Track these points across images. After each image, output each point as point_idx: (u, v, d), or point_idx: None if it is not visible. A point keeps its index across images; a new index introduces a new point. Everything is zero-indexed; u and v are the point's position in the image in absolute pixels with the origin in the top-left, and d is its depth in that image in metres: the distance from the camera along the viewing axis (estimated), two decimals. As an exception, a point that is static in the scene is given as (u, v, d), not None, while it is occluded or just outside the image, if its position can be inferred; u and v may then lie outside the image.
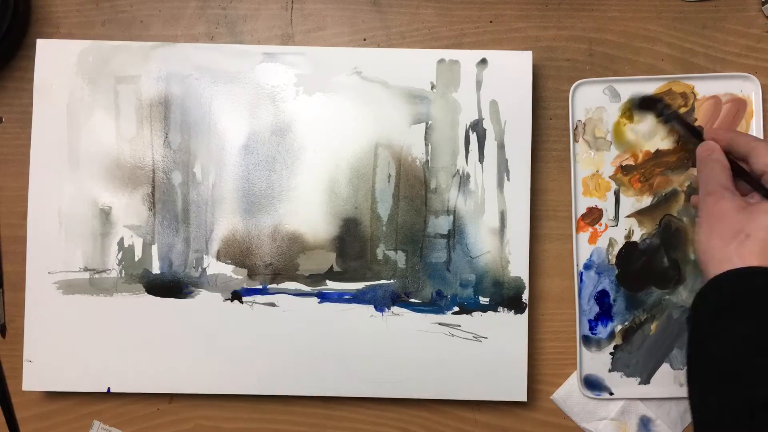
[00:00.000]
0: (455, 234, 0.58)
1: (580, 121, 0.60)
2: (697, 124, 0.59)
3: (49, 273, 0.58)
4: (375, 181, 0.58)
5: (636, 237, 0.59)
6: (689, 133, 0.56)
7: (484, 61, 0.58)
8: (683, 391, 0.59)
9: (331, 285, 0.58)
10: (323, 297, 0.58)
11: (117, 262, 0.58)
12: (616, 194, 0.59)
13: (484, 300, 0.58)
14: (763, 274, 0.43)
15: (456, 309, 0.58)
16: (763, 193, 0.48)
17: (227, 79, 0.58)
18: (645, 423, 0.59)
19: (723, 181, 0.48)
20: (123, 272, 0.58)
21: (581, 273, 0.59)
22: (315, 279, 0.58)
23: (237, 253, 0.58)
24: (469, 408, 0.59)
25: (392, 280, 0.58)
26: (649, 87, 0.59)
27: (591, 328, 0.59)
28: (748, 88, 0.59)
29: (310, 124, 0.58)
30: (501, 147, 0.58)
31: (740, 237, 0.45)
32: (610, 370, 0.59)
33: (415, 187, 0.58)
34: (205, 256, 0.58)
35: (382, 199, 0.58)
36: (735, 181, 0.49)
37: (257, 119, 0.58)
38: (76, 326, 0.57)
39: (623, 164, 0.59)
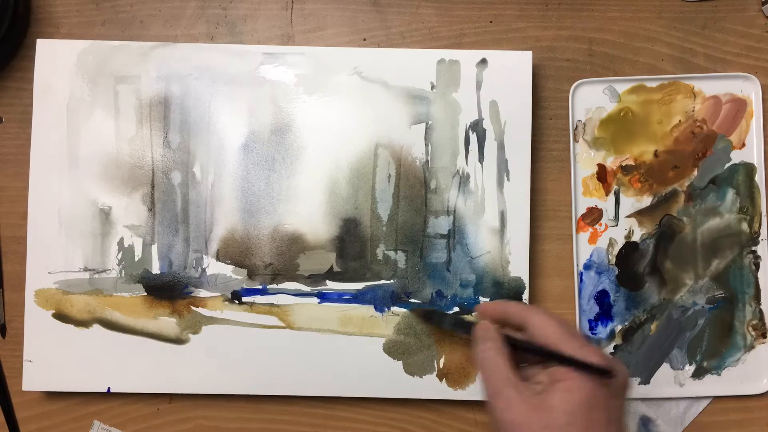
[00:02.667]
0: (455, 234, 0.58)
1: (580, 121, 0.60)
2: (697, 125, 0.59)
3: (49, 273, 0.58)
4: (375, 181, 0.58)
5: (636, 237, 0.59)
6: (464, 330, 0.49)
7: (484, 61, 0.58)
8: (683, 391, 0.59)
9: (331, 285, 0.58)
10: (323, 297, 0.58)
11: (117, 262, 0.58)
12: (616, 194, 0.59)
13: (484, 300, 0.58)
14: None
15: (456, 309, 0.58)
16: (549, 356, 0.42)
17: (227, 79, 0.58)
18: (645, 423, 0.59)
19: (504, 371, 0.42)
20: (123, 272, 0.58)
21: (581, 273, 0.59)
22: (315, 279, 0.58)
23: (237, 253, 0.58)
24: (469, 408, 0.59)
25: (392, 280, 0.58)
26: (649, 86, 0.59)
27: (591, 328, 0.59)
28: (748, 88, 0.59)
29: (310, 124, 0.58)
30: (501, 147, 0.58)
31: None
32: (610, 370, 0.59)
33: (415, 187, 0.58)
34: (204, 256, 0.58)
35: (382, 199, 0.58)
36: (518, 357, 0.44)
37: (257, 119, 0.58)
38: (77, 326, 0.57)
39: (623, 164, 0.59)
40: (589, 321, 0.59)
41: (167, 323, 0.58)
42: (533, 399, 0.41)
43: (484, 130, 0.58)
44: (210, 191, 0.58)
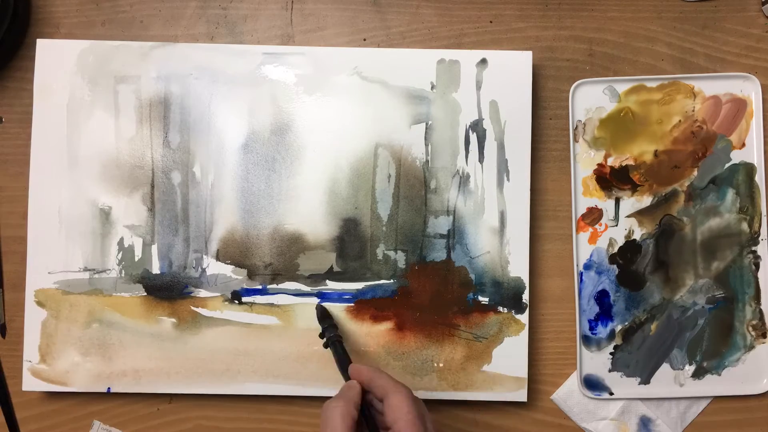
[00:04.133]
0: (455, 234, 0.58)
1: (580, 121, 0.60)
2: (697, 125, 0.59)
3: (49, 273, 0.58)
4: (375, 181, 0.58)
5: (636, 237, 0.59)
6: (339, 364, 0.52)
7: (484, 61, 0.58)
8: (683, 391, 0.59)
9: (331, 285, 0.58)
10: (323, 297, 0.58)
11: (117, 262, 0.58)
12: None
13: (483, 300, 0.58)
14: None
15: (456, 309, 0.58)
16: None
17: (227, 79, 0.58)
18: (645, 423, 0.59)
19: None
20: (123, 272, 0.58)
21: (581, 273, 0.59)
22: (315, 279, 0.58)
23: (236, 253, 0.58)
24: (469, 408, 0.59)
25: (392, 280, 0.58)
26: (649, 86, 0.59)
27: (591, 328, 0.59)
28: (748, 88, 0.59)
29: (310, 124, 0.58)
30: (501, 147, 0.58)
31: None
32: (610, 370, 0.59)
33: (415, 187, 0.58)
34: (204, 256, 0.58)
35: (382, 199, 0.58)
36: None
37: (257, 119, 0.58)
38: (77, 326, 0.57)
39: (623, 164, 0.59)
40: (589, 321, 0.59)
41: (167, 323, 0.58)
42: None
43: (484, 130, 0.58)
44: (210, 191, 0.58)
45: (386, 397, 0.46)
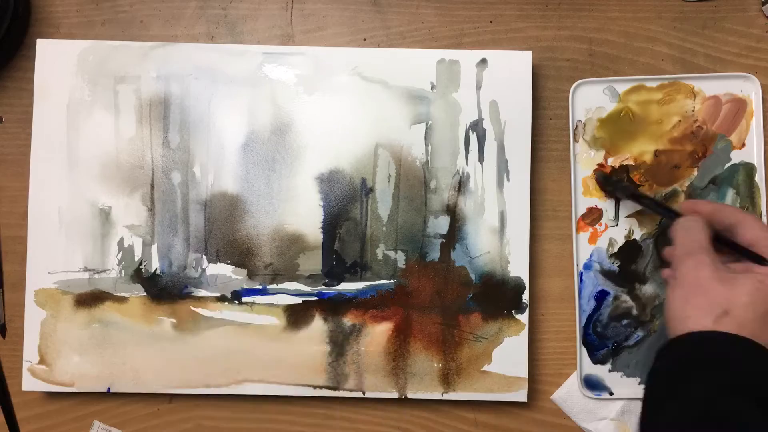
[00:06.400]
0: (455, 234, 0.58)
1: (580, 121, 0.60)
2: (697, 125, 0.59)
3: (49, 273, 0.58)
4: (375, 181, 0.58)
5: (636, 237, 0.59)
6: (663, 213, 0.54)
7: (484, 61, 0.58)
8: (683, 391, 0.59)
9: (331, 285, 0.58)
10: (323, 297, 0.58)
11: (117, 262, 0.58)
12: (616, 194, 0.59)
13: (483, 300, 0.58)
14: (728, 341, 0.42)
15: (455, 309, 0.58)
16: (752, 258, 0.46)
17: (227, 79, 0.58)
18: (645, 423, 0.59)
19: (704, 243, 0.46)
20: (123, 272, 0.58)
21: (581, 273, 0.59)
22: (315, 279, 0.58)
23: (236, 253, 0.58)
24: (469, 408, 0.59)
25: (392, 280, 0.58)
26: (649, 86, 0.59)
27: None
28: (748, 88, 0.59)
29: (310, 124, 0.58)
30: (501, 147, 0.58)
31: (717, 312, 0.43)
32: (610, 370, 0.59)
33: (415, 187, 0.58)
34: (204, 257, 0.58)
35: (382, 199, 0.58)
36: (717, 248, 0.47)
37: (257, 119, 0.58)
38: (77, 326, 0.57)
39: (623, 164, 0.59)
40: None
41: (167, 323, 0.58)
42: (723, 272, 0.45)
43: (484, 130, 0.58)
44: (210, 191, 0.58)
45: (738, 222, 0.47)
